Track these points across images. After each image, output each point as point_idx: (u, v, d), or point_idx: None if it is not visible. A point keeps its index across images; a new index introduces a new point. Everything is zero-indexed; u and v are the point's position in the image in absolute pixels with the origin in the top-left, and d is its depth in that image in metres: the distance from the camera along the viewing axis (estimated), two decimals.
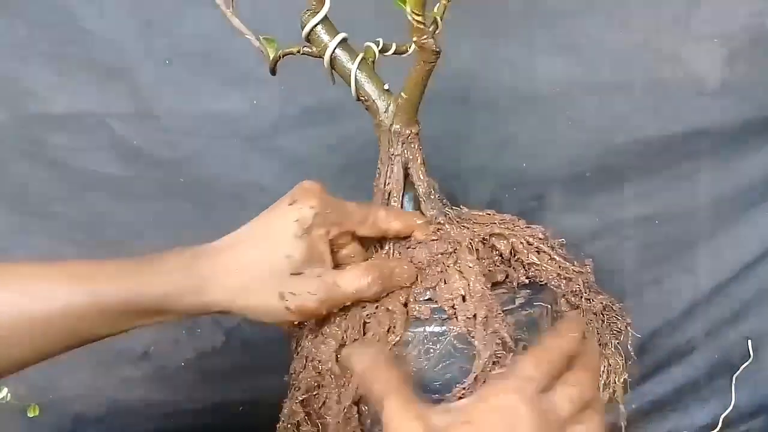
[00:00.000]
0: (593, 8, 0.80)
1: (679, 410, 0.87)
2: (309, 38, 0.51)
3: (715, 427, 0.86)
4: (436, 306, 0.47)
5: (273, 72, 0.53)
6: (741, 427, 0.87)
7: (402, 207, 0.52)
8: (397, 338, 0.47)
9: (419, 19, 0.45)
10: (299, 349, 0.52)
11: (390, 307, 0.48)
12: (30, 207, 0.79)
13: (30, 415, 0.75)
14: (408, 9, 0.45)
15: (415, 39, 0.47)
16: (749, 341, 0.86)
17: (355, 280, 0.47)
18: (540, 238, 0.52)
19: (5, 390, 0.74)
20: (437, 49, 0.46)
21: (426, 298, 0.48)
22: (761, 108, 0.81)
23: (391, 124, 0.51)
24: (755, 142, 0.83)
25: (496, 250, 0.51)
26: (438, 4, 0.49)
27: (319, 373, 0.49)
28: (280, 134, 0.80)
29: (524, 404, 0.39)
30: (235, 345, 0.82)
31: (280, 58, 0.52)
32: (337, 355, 0.48)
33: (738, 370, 0.86)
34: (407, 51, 0.53)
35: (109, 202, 0.80)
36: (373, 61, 0.51)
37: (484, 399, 0.40)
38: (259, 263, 0.46)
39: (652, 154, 0.82)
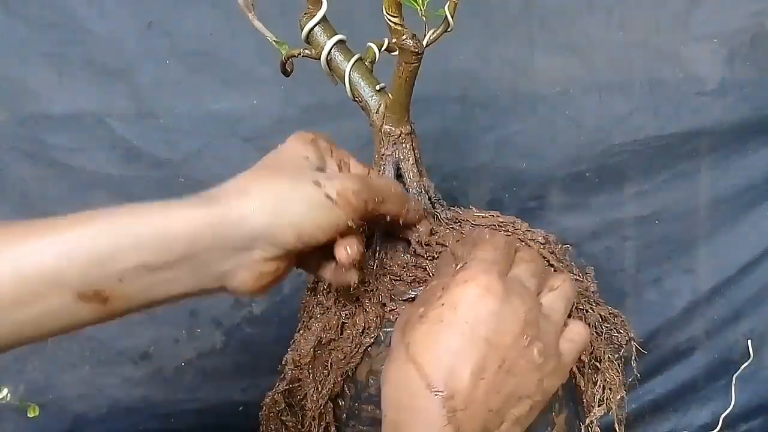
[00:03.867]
0: (593, 8, 0.80)
1: (679, 410, 0.87)
2: (308, 40, 0.51)
3: (715, 427, 0.86)
4: None
5: (285, 73, 0.53)
6: (741, 427, 0.87)
7: None
8: (372, 339, 0.47)
9: (395, 20, 0.45)
10: (292, 340, 0.53)
11: (367, 308, 0.48)
12: (30, 207, 0.79)
13: (30, 415, 0.75)
14: (384, 10, 0.45)
15: (394, 40, 0.47)
16: (749, 341, 0.86)
17: (384, 178, 0.48)
18: (541, 243, 0.52)
19: (5, 390, 0.74)
20: (416, 50, 0.46)
21: (405, 298, 0.49)
22: (761, 108, 0.81)
23: (382, 124, 0.51)
24: (755, 142, 0.83)
25: None
26: (448, 3, 0.49)
27: (299, 367, 0.50)
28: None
29: (495, 280, 0.40)
30: (235, 345, 0.82)
31: (285, 60, 0.52)
32: (314, 351, 0.49)
33: (738, 370, 0.86)
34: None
35: (109, 202, 0.78)
36: (372, 62, 0.51)
37: (456, 283, 0.41)
38: (284, 166, 0.44)
39: (651, 154, 0.82)
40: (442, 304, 0.40)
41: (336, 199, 0.42)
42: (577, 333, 0.44)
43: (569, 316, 0.45)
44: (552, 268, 0.50)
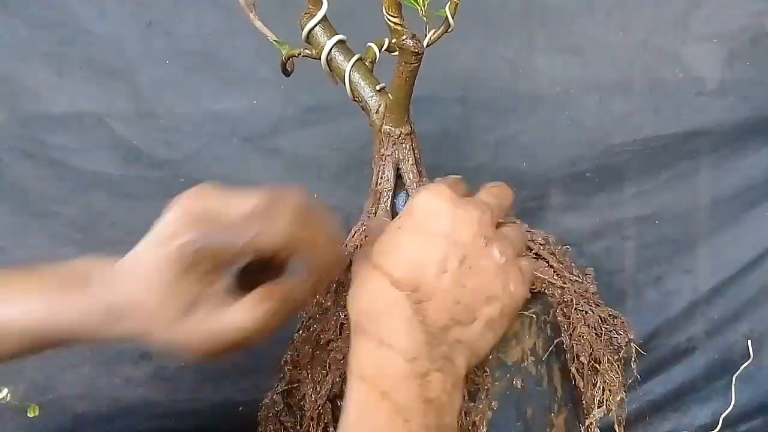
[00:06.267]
0: (593, 8, 0.80)
1: (679, 410, 0.87)
2: (308, 40, 0.51)
3: (715, 427, 0.86)
4: None
5: (286, 73, 0.53)
6: (741, 427, 0.87)
7: (394, 207, 0.52)
8: None
9: (395, 20, 0.45)
10: (291, 340, 0.53)
11: None
12: (30, 207, 0.79)
13: (30, 415, 0.75)
14: (384, 10, 0.45)
15: (394, 41, 0.47)
16: (749, 341, 0.86)
17: (236, 320, 0.39)
18: (540, 243, 0.52)
19: (5, 390, 0.73)
20: (416, 50, 0.46)
21: None
22: (761, 108, 0.81)
23: (382, 124, 0.51)
24: (755, 142, 0.83)
25: None
26: (449, 3, 0.49)
27: (298, 367, 0.50)
28: (280, 134, 0.80)
29: (446, 188, 0.42)
30: None
31: (286, 60, 0.52)
32: (313, 352, 0.49)
33: (738, 370, 0.86)
34: None
35: (109, 202, 0.80)
36: (372, 62, 0.51)
37: (412, 196, 0.43)
38: (145, 309, 0.39)
39: (651, 154, 0.82)
40: (399, 217, 0.42)
41: (192, 359, 0.40)
42: (528, 263, 0.45)
43: None
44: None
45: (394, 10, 0.45)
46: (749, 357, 0.86)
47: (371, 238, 0.45)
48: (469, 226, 0.41)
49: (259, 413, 0.53)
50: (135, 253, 0.40)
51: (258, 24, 0.51)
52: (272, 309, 0.40)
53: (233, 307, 0.39)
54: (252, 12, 0.50)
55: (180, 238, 0.39)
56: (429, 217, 0.41)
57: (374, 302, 0.40)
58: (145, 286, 0.39)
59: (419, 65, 0.47)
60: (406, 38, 0.46)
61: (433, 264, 0.39)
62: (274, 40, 0.51)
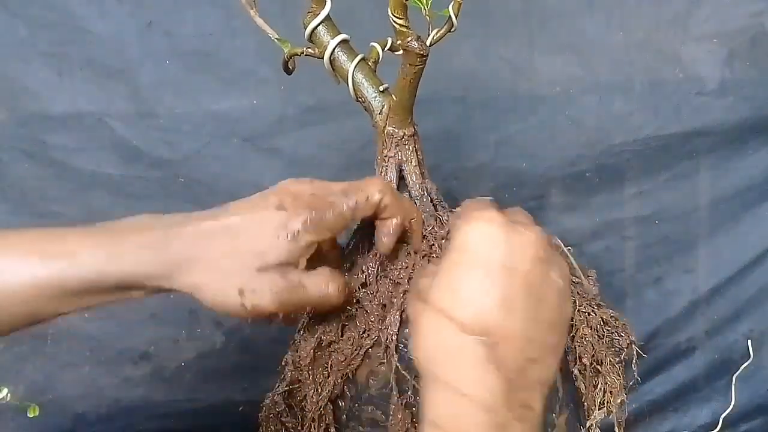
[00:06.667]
0: (593, 8, 0.80)
1: (679, 410, 0.87)
2: (311, 39, 0.51)
3: (715, 427, 0.86)
4: None
5: (287, 72, 0.53)
6: (741, 427, 0.87)
7: None
8: (372, 341, 0.47)
9: (401, 22, 0.45)
10: (292, 341, 0.53)
11: (368, 310, 0.48)
12: (30, 207, 0.79)
13: (30, 415, 0.75)
14: (389, 12, 0.45)
15: (399, 42, 0.47)
16: (749, 341, 0.86)
17: (322, 284, 0.45)
18: None
19: (5, 390, 0.73)
20: (422, 52, 0.46)
21: None
22: (761, 108, 0.81)
23: (385, 126, 0.51)
24: (755, 142, 0.83)
25: None
26: (452, 3, 0.49)
27: (299, 368, 0.50)
28: (280, 134, 0.80)
29: (495, 212, 0.40)
30: (235, 345, 0.82)
31: (288, 59, 0.52)
32: (315, 352, 0.49)
33: (738, 370, 0.86)
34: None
35: (109, 202, 0.80)
36: (375, 62, 0.51)
37: (457, 228, 0.41)
38: (230, 258, 0.43)
39: (651, 154, 0.82)
40: (451, 252, 0.39)
41: (249, 308, 0.44)
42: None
43: None
44: None
45: (399, 11, 0.45)
46: (749, 357, 0.86)
47: (422, 274, 0.44)
48: (527, 249, 0.39)
49: (260, 414, 0.53)
50: (231, 212, 0.45)
51: (259, 21, 0.50)
52: (343, 285, 0.46)
53: (312, 273, 0.45)
54: (252, 9, 0.50)
55: (297, 218, 0.44)
56: (485, 248, 0.38)
57: (443, 349, 0.38)
58: (243, 241, 0.43)
59: (424, 67, 0.47)
60: (412, 40, 0.46)
61: (500, 301, 0.37)
62: (276, 38, 0.51)
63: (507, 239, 0.38)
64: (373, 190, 0.46)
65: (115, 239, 0.44)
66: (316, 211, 0.44)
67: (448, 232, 0.49)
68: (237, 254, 0.44)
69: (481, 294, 0.37)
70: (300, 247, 0.44)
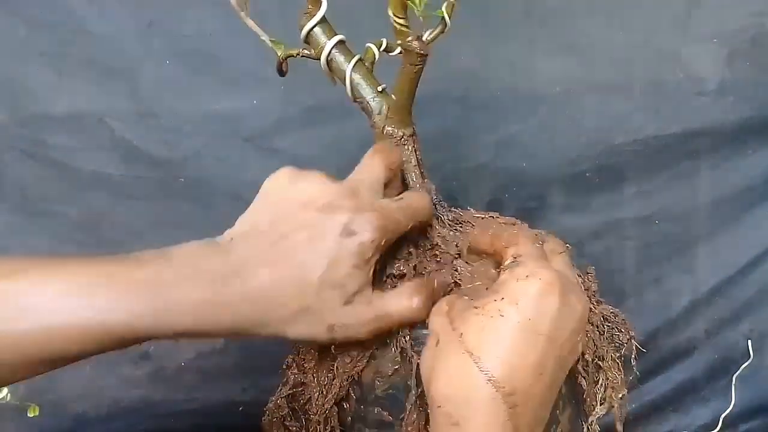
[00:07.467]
0: (593, 8, 0.80)
1: (679, 410, 0.87)
2: (307, 40, 0.51)
3: (715, 427, 0.86)
4: None
5: (281, 73, 0.53)
6: (741, 427, 0.87)
7: None
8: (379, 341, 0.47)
9: (401, 21, 0.45)
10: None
11: None
12: (30, 207, 0.79)
13: (30, 415, 0.75)
14: (390, 12, 0.45)
15: (399, 42, 0.47)
16: (749, 341, 0.86)
17: (406, 304, 0.44)
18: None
19: (5, 390, 0.73)
20: (422, 52, 0.46)
21: None
22: (761, 108, 0.81)
23: (384, 126, 0.51)
24: (755, 142, 0.83)
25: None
26: (445, 3, 0.49)
27: (304, 371, 0.49)
28: (280, 134, 0.80)
29: (556, 278, 0.40)
30: (235, 345, 0.82)
31: (283, 60, 0.52)
32: (319, 355, 0.49)
33: (738, 370, 0.86)
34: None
35: (109, 202, 0.80)
36: (372, 62, 0.51)
37: (517, 277, 0.41)
38: (308, 295, 0.40)
39: (651, 154, 0.82)
40: (502, 298, 0.40)
41: (341, 340, 0.43)
42: None
43: None
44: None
45: (400, 11, 0.45)
46: (749, 357, 0.86)
47: (456, 291, 0.44)
48: (571, 323, 0.40)
49: (263, 418, 0.52)
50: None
51: (250, 23, 0.50)
52: (427, 298, 0.45)
53: (393, 296, 0.44)
54: (243, 11, 0.50)
55: (370, 246, 0.42)
56: (536, 314, 0.39)
57: (465, 393, 0.38)
58: (317, 274, 0.40)
59: (423, 67, 0.47)
60: (413, 39, 0.46)
61: (534, 368, 0.38)
62: (271, 40, 0.51)
63: (559, 311, 0.39)
64: (427, 213, 0.48)
65: (166, 277, 0.39)
66: (386, 233, 0.43)
67: (499, 269, 0.47)
68: (316, 292, 0.41)
69: (520, 357, 0.38)
70: (371, 268, 0.43)
